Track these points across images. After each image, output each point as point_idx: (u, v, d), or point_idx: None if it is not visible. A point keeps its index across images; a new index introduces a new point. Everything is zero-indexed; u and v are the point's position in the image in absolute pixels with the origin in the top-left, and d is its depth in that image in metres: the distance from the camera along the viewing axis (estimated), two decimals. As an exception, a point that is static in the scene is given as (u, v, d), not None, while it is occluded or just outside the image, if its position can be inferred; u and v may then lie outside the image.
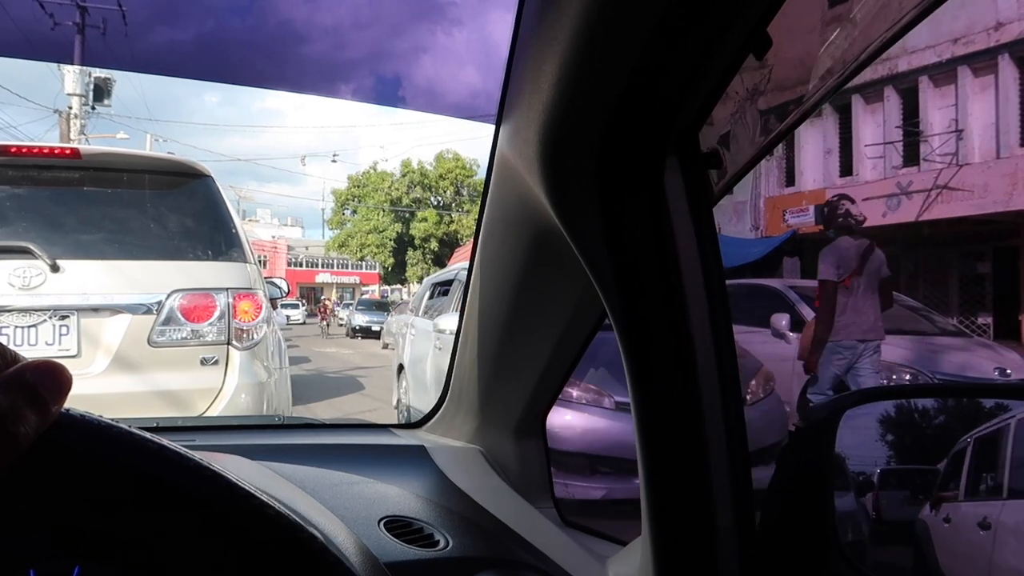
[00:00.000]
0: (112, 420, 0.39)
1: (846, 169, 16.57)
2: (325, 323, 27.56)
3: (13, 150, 3.29)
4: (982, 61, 14.14)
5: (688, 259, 0.62)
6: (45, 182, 3.36)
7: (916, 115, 15.24)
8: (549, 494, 1.17)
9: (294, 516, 0.40)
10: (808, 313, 6.86)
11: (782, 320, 6.83)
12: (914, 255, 15.79)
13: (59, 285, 3.06)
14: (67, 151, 3.47)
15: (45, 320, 3.07)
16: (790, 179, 17.62)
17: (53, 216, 3.26)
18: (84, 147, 3.66)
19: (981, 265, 15.59)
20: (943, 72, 14.69)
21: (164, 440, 0.39)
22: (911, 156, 15.39)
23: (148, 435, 0.39)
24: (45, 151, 3.40)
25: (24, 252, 3.04)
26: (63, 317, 3.08)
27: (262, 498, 0.39)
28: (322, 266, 49.25)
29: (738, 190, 15.30)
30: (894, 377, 6.04)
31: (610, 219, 0.61)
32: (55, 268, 3.06)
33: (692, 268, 0.62)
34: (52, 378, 0.37)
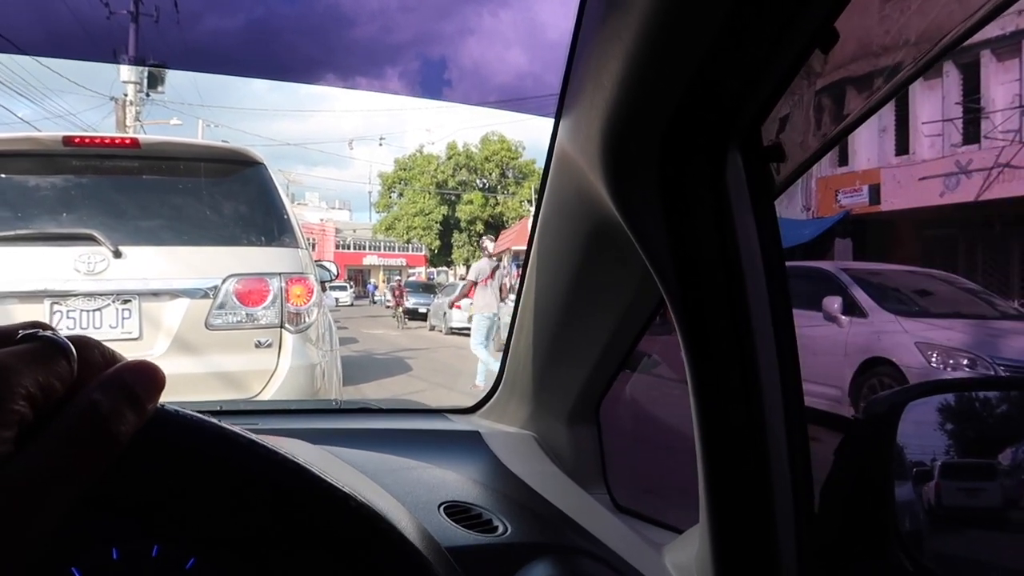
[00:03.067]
0: (200, 413, 0.41)
1: (902, 148, 16.09)
2: (400, 309, 21.74)
3: (77, 141, 3.41)
4: (1049, 34, 13.57)
5: (749, 251, 0.62)
6: (107, 171, 3.48)
7: (977, 91, 14.70)
8: (602, 480, 1.18)
9: (372, 507, 0.42)
10: (861, 296, 6.72)
11: (834, 303, 6.69)
12: (973, 236, 15.30)
13: (121, 270, 3.18)
14: (127, 141, 3.63)
15: (109, 304, 3.20)
16: (843, 158, 17.18)
17: (115, 204, 3.39)
18: (143, 137, 3.83)
19: (1046, 246, 15.03)
20: (1007, 46, 14.12)
21: (252, 435, 0.41)
22: (971, 134, 14.87)
23: (237, 430, 0.41)
24: (107, 141, 3.54)
25: (89, 239, 3.17)
26: (125, 301, 3.21)
27: (344, 490, 0.41)
28: (369, 248, 49.80)
29: (789, 170, 14.98)
30: (951, 362, 5.89)
31: (671, 213, 0.62)
32: (117, 254, 3.18)
33: (753, 260, 0.62)
34: (148, 378, 0.39)
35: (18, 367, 0.35)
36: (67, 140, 3.38)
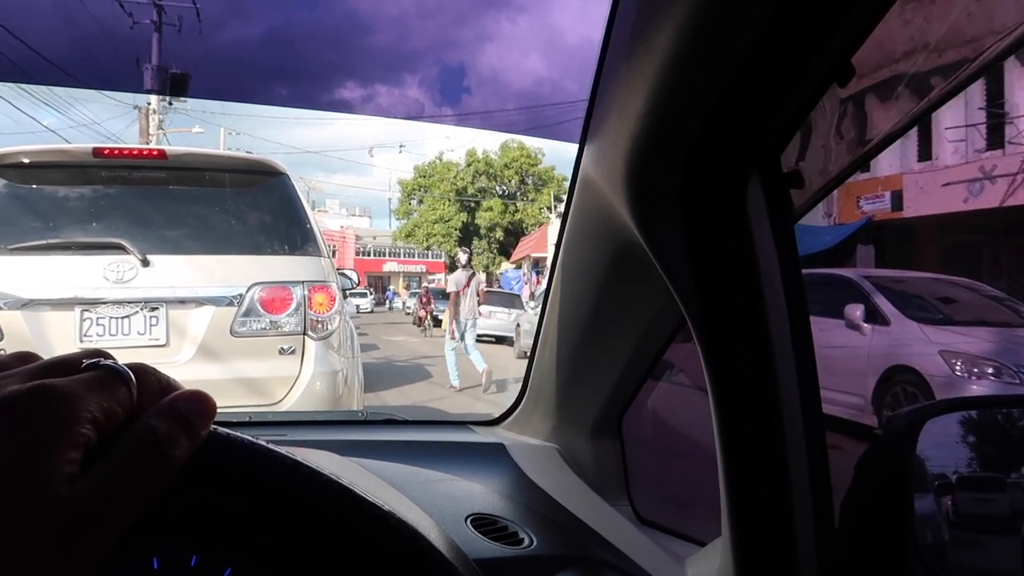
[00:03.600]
0: (252, 438, 0.44)
1: (925, 153, 15.94)
2: (427, 316, 19.91)
3: (106, 152, 3.49)
4: (1074, 37, 13.38)
5: (769, 275, 0.64)
6: (135, 181, 3.57)
7: (1001, 96, 14.54)
8: (625, 492, 1.20)
9: (412, 525, 0.44)
10: (884, 303, 6.67)
11: (856, 311, 6.64)
12: (997, 242, 15.11)
13: (149, 279, 3.25)
14: (154, 152, 3.72)
15: (137, 311, 3.26)
16: (865, 165, 17.05)
17: (142, 213, 3.47)
18: (169, 148, 3.87)
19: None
20: (1031, 50, 13.96)
21: (298, 455, 0.43)
22: (995, 139, 14.70)
23: (284, 451, 0.43)
24: (135, 152, 3.66)
25: (117, 248, 3.24)
26: (153, 309, 3.28)
27: (385, 508, 0.43)
28: (389, 255, 50.03)
29: (810, 176, 14.88)
30: (976, 370, 5.83)
31: (693, 238, 0.64)
32: (145, 263, 3.25)
33: (773, 284, 0.64)
34: (201, 406, 0.42)
35: (84, 394, 0.38)
36: (96, 151, 3.47)
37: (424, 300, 20.87)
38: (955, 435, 0.78)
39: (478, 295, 9.54)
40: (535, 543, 0.85)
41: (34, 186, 3.42)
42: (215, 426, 0.43)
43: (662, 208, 0.66)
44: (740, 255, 0.62)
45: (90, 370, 0.40)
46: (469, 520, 0.88)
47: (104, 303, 3.21)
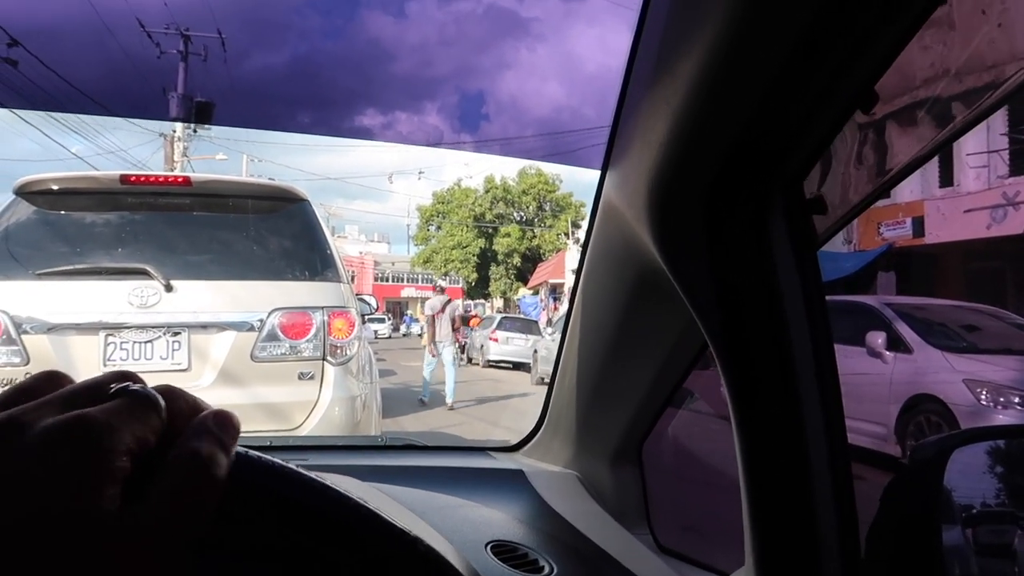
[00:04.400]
0: (279, 460, 0.44)
1: (946, 179, 15.84)
2: (458, 344, 17.71)
3: (133, 179, 3.56)
4: (1097, 63, 13.31)
5: (793, 302, 0.64)
6: (160, 208, 3.63)
7: (1023, 122, 14.45)
8: (645, 520, 1.18)
9: (439, 551, 0.44)
10: (906, 331, 6.59)
11: (878, 338, 6.57)
12: (1022, 269, 14.92)
13: (172, 304, 3.29)
14: (179, 179, 3.79)
15: (160, 336, 3.30)
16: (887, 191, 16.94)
17: (167, 239, 3.52)
18: (194, 175, 3.94)
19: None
20: (1053, 76, 13.89)
21: (327, 479, 0.44)
22: (1018, 165, 14.58)
23: (312, 475, 0.43)
24: (160, 179, 3.74)
25: (142, 273, 3.28)
26: (175, 334, 3.31)
27: (412, 534, 0.43)
28: (407, 281, 50.24)
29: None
30: (1001, 400, 5.73)
31: (716, 264, 0.64)
32: (169, 288, 3.29)
33: (796, 310, 0.64)
34: (230, 423, 0.42)
35: (120, 424, 0.38)
36: (124, 179, 3.54)
37: (455, 326, 19.21)
38: (983, 465, 0.77)
39: (452, 320, 10.36)
40: (555, 571, 0.85)
41: (62, 212, 3.48)
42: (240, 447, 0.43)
43: (685, 234, 0.66)
44: (764, 282, 0.62)
45: (119, 395, 0.40)
46: (489, 547, 0.87)
47: (128, 327, 3.25)
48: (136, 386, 0.41)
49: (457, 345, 16.28)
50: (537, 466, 1.27)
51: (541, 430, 1.35)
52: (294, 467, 0.43)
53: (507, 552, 0.88)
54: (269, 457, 0.43)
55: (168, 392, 0.42)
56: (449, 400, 9.69)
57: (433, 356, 10.04)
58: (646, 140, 0.65)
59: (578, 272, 1.07)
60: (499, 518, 0.99)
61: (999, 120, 14.79)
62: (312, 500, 0.42)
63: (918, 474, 0.76)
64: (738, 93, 0.55)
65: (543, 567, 0.85)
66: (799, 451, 0.65)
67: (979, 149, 15.01)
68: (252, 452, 0.43)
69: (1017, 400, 5.70)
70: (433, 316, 10.14)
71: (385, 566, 0.42)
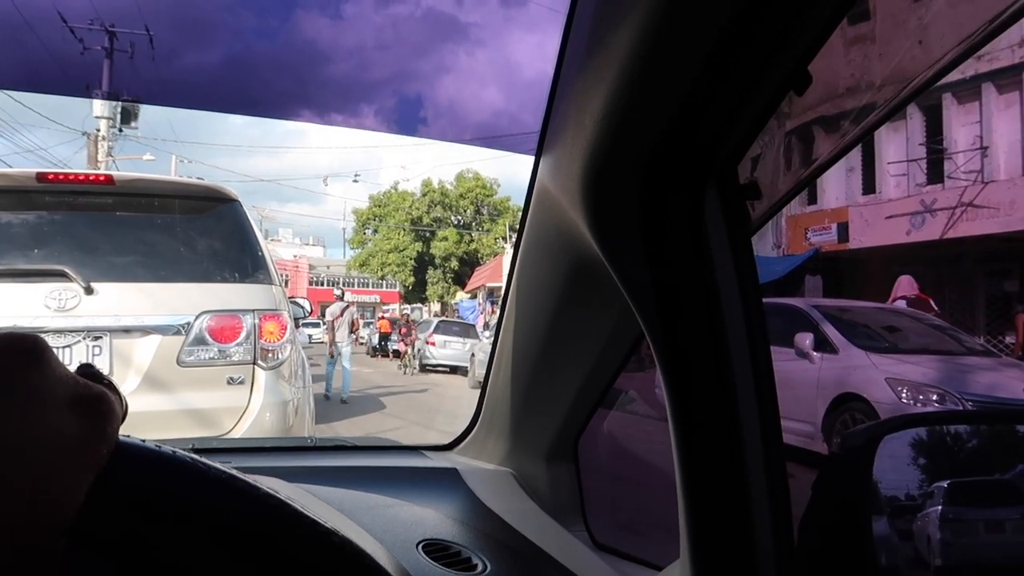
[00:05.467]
0: (158, 445, 0.40)
1: (869, 187, 16.45)
2: (410, 352, 17.01)
3: (50, 177, 3.39)
4: (1007, 78, 14.02)
5: (727, 286, 0.63)
6: (80, 207, 3.46)
7: (940, 132, 15.12)
8: (581, 517, 1.17)
9: (355, 544, 0.41)
10: (832, 332, 6.80)
11: (806, 339, 6.76)
12: (939, 273, 15.60)
13: (92, 307, 3.14)
14: (101, 178, 3.59)
15: (79, 341, 3.14)
16: (812, 197, 17.51)
17: (87, 240, 3.36)
18: (117, 174, 3.77)
19: (1008, 283, 15.36)
20: (967, 89, 14.58)
21: (231, 470, 0.40)
22: (935, 174, 15.25)
23: (216, 466, 0.40)
24: (80, 178, 3.53)
25: (59, 275, 3.12)
26: (96, 338, 3.17)
27: (326, 526, 0.41)
28: (343, 285, 49.62)
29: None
30: (921, 397, 5.96)
31: (651, 249, 0.63)
32: (89, 290, 3.14)
33: (731, 295, 0.63)
34: (111, 405, 0.39)
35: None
36: (40, 177, 3.37)
37: (404, 331, 18.25)
38: (912, 451, 0.78)
39: (352, 323, 11.43)
40: (488, 569, 0.83)
41: None
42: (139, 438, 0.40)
43: (620, 217, 0.65)
44: (698, 265, 0.62)
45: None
46: (421, 546, 0.85)
47: (45, 332, 3.09)
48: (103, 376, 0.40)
49: (409, 350, 16.23)
50: (471, 464, 1.25)
51: (475, 428, 1.33)
52: (195, 458, 0.39)
53: (440, 551, 0.85)
54: (167, 448, 0.39)
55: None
56: (345, 395, 10.45)
57: (332, 357, 10.74)
58: (580, 121, 0.64)
59: (512, 262, 1.05)
60: (432, 517, 0.97)
61: (917, 130, 15.45)
62: (214, 492, 0.39)
63: (849, 462, 0.77)
64: (671, 72, 0.54)
65: (476, 565, 0.83)
66: (733, 439, 0.64)
67: (899, 158, 15.65)
68: (149, 443, 0.39)
69: (935, 397, 5.93)
70: (332, 321, 10.91)
71: (294, 561, 0.39)
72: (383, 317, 25.64)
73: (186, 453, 0.40)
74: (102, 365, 3.14)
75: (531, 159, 0.91)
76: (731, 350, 0.62)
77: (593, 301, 0.88)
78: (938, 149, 15.11)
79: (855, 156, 16.42)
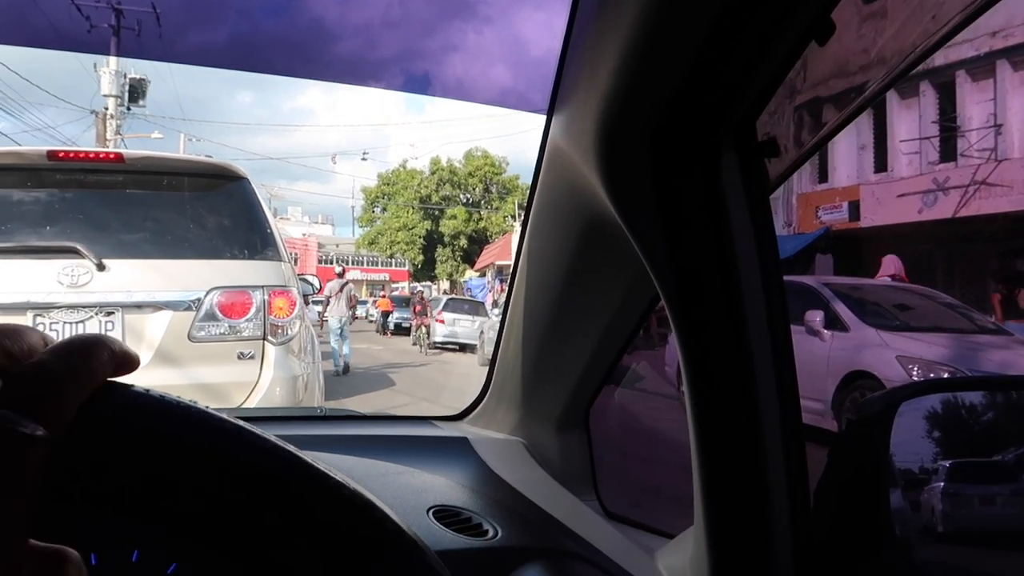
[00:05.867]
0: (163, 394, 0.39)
1: (880, 165, 16.30)
2: (424, 330, 16.60)
3: (61, 155, 3.42)
4: (1022, 55, 13.82)
5: (744, 246, 0.62)
6: (91, 185, 3.50)
7: (953, 110, 14.94)
8: (592, 487, 1.17)
9: (366, 496, 0.40)
10: (843, 310, 6.77)
11: (816, 317, 6.73)
12: (950, 252, 15.48)
13: (105, 283, 3.18)
14: (111, 155, 3.68)
15: (92, 316, 3.19)
16: (823, 175, 17.38)
17: (98, 217, 3.40)
18: (127, 152, 3.79)
19: (1021, 263, 15.24)
20: (981, 66, 14.38)
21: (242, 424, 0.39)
22: (948, 152, 15.09)
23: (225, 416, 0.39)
24: (91, 156, 3.58)
25: (72, 252, 3.17)
26: (108, 313, 3.21)
27: (338, 478, 0.40)
28: (352, 263, 49.61)
29: (770, 186, 15.18)
30: (931, 375, 5.93)
31: (666, 206, 0.61)
32: (101, 267, 3.18)
33: (748, 255, 0.62)
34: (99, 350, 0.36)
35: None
36: (51, 154, 3.40)
37: (417, 309, 17.50)
38: (929, 417, 0.77)
39: (349, 300, 11.96)
40: (500, 534, 0.82)
41: None
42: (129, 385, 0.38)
43: (634, 172, 0.63)
44: (714, 223, 0.60)
45: None
46: (431, 512, 0.84)
47: (58, 308, 3.12)
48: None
49: (424, 328, 16.34)
50: (481, 434, 1.24)
51: (486, 398, 1.32)
52: (201, 407, 0.39)
53: (450, 517, 0.85)
54: (172, 397, 0.38)
55: (8, 333, 0.36)
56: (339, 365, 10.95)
57: (322, 327, 11.09)
58: (594, 73, 0.62)
59: (522, 229, 1.03)
60: (442, 484, 0.96)
61: (930, 108, 15.27)
62: (222, 442, 0.38)
63: (866, 427, 0.76)
64: (688, 21, 0.52)
65: (487, 531, 0.83)
66: (749, 402, 0.63)
67: (911, 136, 15.49)
68: (154, 392, 0.38)
69: (946, 375, 5.91)
70: (330, 296, 11.39)
71: (306, 510, 0.38)
72: (384, 296, 25.80)
73: (194, 403, 0.39)
74: (114, 340, 3.16)
75: (539, 136, 0.90)
76: (748, 310, 0.61)
77: (606, 264, 0.87)
78: (951, 127, 14.94)
79: (866, 134, 16.27)
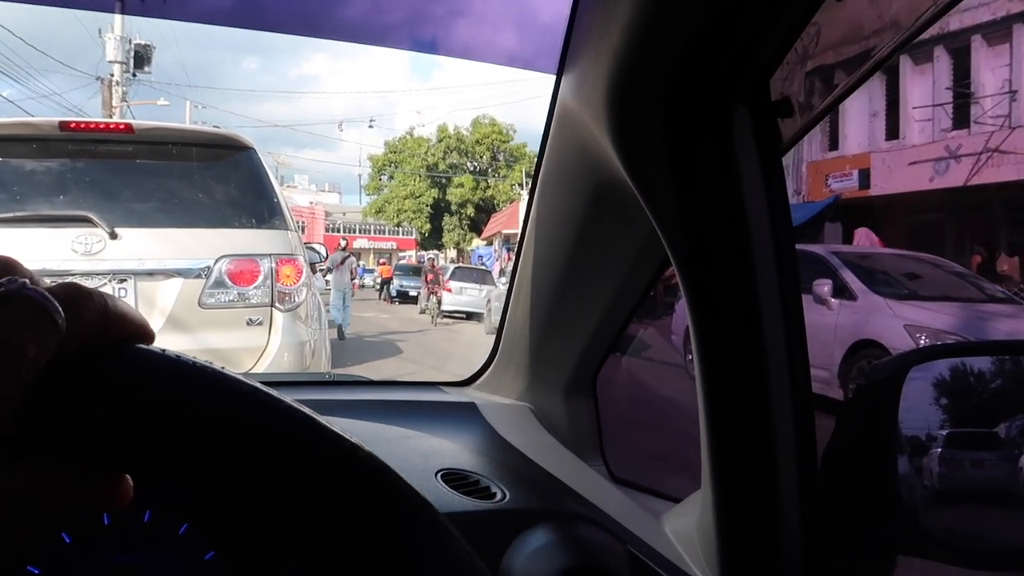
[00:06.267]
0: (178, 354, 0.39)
1: (892, 132, 16.12)
2: (435, 298, 16.05)
3: (72, 126, 3.51)
4: (1040, 19, 13.58)
5: (756, 206, 0.61)
6: (102, 155, 3.61)
7: (967, 76, 14.73)
8: (599, 452, 1.17)
9: (380, 459, 0.40)
10: (851, 279, 6.75)
11: (824, 286, 6.71)
12: (961, 221, 15.36)
13: (117, 251, 3.29)
14: (121, 126, 3.76)
15: (105, 283, 3.27)
16: (833, 143, 17.21)
17: (109, 187, 3.52)
18: (136, 122, 3.87)
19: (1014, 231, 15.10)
20: (997, 31, 14.14)
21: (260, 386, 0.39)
22: (961, 119, 14.90)
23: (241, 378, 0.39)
24: (102, 126, 3.70)
25: (85, 221, 3.27)
26: (121, 281, 3.31)
27: (351, 440, 0.39)
28: (359, 232, 49.57)
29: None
30: (940, 344, 5.93)
31: (678, 165, 0.60)
32: (113, 235, 3.28)
33: (760, 216, 0.61)
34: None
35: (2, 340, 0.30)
36: (63, 125, 3.47)
37: (429, 278, 16.86)
38: (938, 383, 0.77)
39: (351, 271, 12.47)
40: (508, 497, 0.83)
41: (0, 159, 3.42)
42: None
43: (646, 131, 0.62)
44: (726, 182, 0.59)
45: (5, 300, 0.32)
46: (439, 475, 0.85)
47: (73, 275, 3.15)
48: (27, 288, 0.33)
49: (435, 297, 16.44)
50: (489, 399, 1.25)
51: (493, 363, 1.32)
52: (213, 366, 0.38)
53: (458, 480, 0.85)
54: (186, 357, 0.38)
55: (70, 293, 0.34)
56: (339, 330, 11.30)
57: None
58: (605, 29, 0.61)
59: (531, 193, 1.02)
60: (450, 448, 0.97)
61: (944, 74, 15.05)
62: (238, 404, 0.37)
63: (875, 393, 0.76)
64: None
65: (495, 493, 0.83)
66: (758, 364, 0.63)
67: (924, 102, 15.29)
68: (169, 351, 0.38)
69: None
70: (332, 268, 11.83)
71: (320, 472, 0.38)
72: (383, 263, 26.59)
73: (209, 363, 0.39)
74: (127, 307, 3.23)
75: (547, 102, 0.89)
76: (759, 271, 0.60)
77: (616, 226, 0.86)
78: (965, 93, 14.73)
79: (878, 100, 16.08)
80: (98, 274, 3.23)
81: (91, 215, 3.26)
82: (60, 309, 0.32)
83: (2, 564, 0.32)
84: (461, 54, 1.33)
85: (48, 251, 3.18)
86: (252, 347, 3.42)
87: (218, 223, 3.53)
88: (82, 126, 3.55)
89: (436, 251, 38.21)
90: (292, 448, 0.38)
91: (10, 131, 3.53)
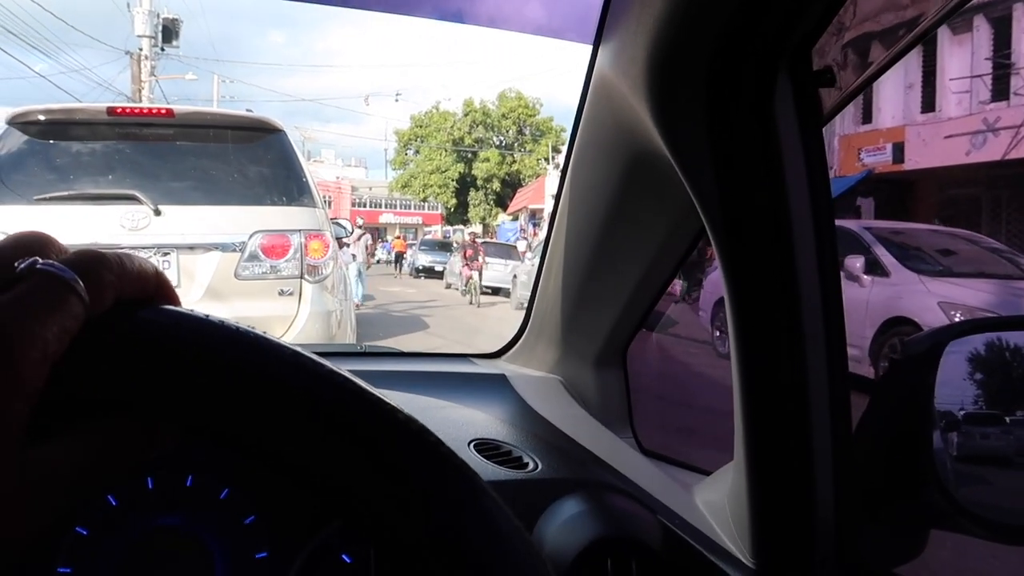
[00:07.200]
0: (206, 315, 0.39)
1: (928, 105, 15.73)
2: (476, 278, 14.79)
3: (119, 111, 3.85)
4: (1085, -14, 13.13)
5: (796, 180, 0.60)
6: (145, 138, 3.92)
7: (1008, 46, 14.29)
8: (628, 424, 1.18)
9: (419, 422, 0.41)
10: (884, 255, 6.64)
11: (856, 262, 6.61)
12: (997, 195, 15.01)
13: (161, 227, 3.58)
14: (163, 111, 4.04)
15: (151, 256, 3.51)
16: (867, 116, 16.84)
17: (153, 168, 3.82)
18: (177, 107, 4.18)
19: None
20: (1041, -2, 13.70)
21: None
22: (1000, 90, 14.50)
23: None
24: (145, 111, 4.03)
25: (131, 199, 3.58)
26: (165, 254, 3.60)
27: (391, 403, 0.40)
28: (385, 206, 49.62)
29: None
30: (977, 318, 5.83)
31: (718, 137, 0.60)
32: (157, 212, 3.59)
33: (800, 190, 0.60)
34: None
35: (27, 320, 0.30)
36: (110, 110, 3.80)
37: (468, 254, 15.56)
38: (977, 357, 0.76)
39: (366, 247, 13.43)
40: (540, 467, 0.83)
41: (51, 142, 3.75)
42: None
43: (685, 102, 0.62)
44: (766, 155, 0.59)
45: (27, 276, 0.32)
46: (472, 445, 0.86)
47: (121, 248, 3.29)
48: (47, 263, 0.33)
49: (478, 274, 16.57)
50: (519, 371, 1.26)
51: (524, 336, 1.33)
52: (259, 333, 0.39)
53: (491, 450, 0.86)
54: (229, 322, 0.39)
55: (89, 261, 0.35)
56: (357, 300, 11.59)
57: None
58: (645, 3, 0.60)
59: (564, 164, 1.02)
60: (481, 418, 0.98)
61: (983, 44, 14.63)
62: (278, 368, 0.38)
63: (912, 367, 0.75)
64: None
65: (527, 463, 0.84)
66: (795, 337, 0.63)
67: (962, 73, 14.89)
68: (211, 315, 0.39)
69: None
70: (348, 242, 12.34)
71: (358, 432, 0.39)
72: (398, 237, 28.35)
73: (251, 328, 0.40)
74: (171, 278, 3.35)
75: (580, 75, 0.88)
76: (796, 241, 0.60)
77: (651, 197, 0.86)
78: (1005, 64, 14.32)
79: (914, 72, 15.68)
80: (144, 248, 3.46)
81: (137, 193, 3.55)
82: (78, 278, 0.33)
83: (52, 526, 0.33)
84: (488, 23, 1.32)
85: (98, 227, 3.45)
86: (283, 316, 3.69)
87: (252, 201, 3.81)
88: (128, 111, 3.89)
89: (462, 226, 38.21)
90: (334, 411, 0.39)
91: (62, 116, 3.83)
